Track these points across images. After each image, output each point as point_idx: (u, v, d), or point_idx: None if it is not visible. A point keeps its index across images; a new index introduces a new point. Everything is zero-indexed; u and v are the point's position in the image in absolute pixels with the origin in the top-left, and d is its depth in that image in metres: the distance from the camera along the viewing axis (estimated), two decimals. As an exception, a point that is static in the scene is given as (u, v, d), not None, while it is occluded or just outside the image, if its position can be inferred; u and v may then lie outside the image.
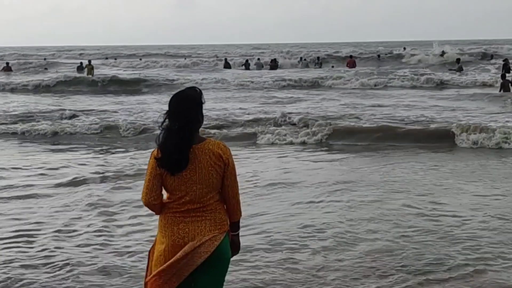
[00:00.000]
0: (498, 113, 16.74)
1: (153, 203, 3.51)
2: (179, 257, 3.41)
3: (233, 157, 3.55)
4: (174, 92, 3.67)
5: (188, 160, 3.41)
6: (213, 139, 3.57)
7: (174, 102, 3.49)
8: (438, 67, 35.99)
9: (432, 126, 14.19)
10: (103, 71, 37.18)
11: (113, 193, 8.74)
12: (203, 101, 3.53)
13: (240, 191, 3.63)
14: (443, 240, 6.39)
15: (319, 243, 6.35)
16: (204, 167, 3.44)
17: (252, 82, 28.65)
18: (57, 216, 7.65)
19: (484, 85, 26.64)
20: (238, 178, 3.59)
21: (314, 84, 28.35)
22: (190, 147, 3.42)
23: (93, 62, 37.88)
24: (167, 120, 3.47)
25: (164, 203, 3.55)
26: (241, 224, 3.76)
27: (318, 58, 44.48)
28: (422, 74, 29.17)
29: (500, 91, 21.92)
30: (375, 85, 27.37)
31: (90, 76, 32.48)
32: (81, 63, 38.77)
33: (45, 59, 54.83)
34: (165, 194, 3.58)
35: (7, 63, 41.63)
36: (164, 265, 3.44)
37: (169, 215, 3.51)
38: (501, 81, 22.53)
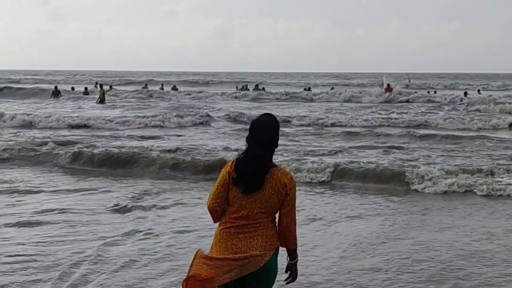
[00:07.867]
0: None
1: (216, 208, 3.75)
2: (231, 258, 3.61)
3: None
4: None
5: (262, 184, 3.66)
6: (283, 169, 3.79)
7: (256, 128, 3.72)
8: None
9: None
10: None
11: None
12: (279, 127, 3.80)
13: None
14: None
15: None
16: (268, 189, 3.66)
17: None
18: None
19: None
20: None
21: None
22: (267, 172, 3.67)
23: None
24: (247, 144, 3.72)
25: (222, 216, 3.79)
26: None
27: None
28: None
29: None
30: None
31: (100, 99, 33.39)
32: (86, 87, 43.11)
33: (111, 86, 53.53)
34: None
35: (56, 87, 40.78)
36: (216, 256, 3.65)
37: (225, 230, 3.72)
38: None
